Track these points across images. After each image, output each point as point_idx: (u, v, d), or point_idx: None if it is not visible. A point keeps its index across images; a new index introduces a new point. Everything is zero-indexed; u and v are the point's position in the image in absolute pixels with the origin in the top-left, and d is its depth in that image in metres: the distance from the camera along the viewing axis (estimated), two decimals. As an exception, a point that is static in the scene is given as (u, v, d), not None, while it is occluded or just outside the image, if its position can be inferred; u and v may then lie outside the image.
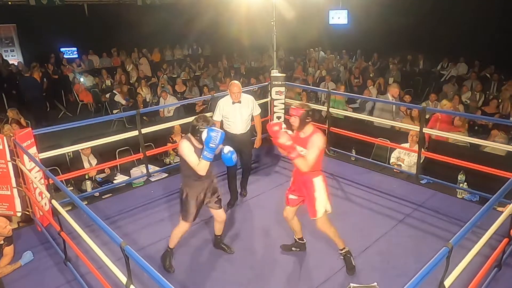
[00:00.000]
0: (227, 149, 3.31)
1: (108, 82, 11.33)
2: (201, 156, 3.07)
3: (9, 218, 3.97)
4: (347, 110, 7.64)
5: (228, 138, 3.76)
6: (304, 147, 3.13)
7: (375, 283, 3.06)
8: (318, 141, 3.09)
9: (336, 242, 3.40)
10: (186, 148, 3.14)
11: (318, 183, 3.20)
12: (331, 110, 5.80)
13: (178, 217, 3.45)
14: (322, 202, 3.20)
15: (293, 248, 3.74)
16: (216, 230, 3.73)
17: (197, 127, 3.09)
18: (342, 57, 14.03)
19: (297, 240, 3.72)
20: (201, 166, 3.10)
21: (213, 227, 3.76)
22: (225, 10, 11.30)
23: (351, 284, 3.05)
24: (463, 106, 7.93)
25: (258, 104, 4.76)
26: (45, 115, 9.50)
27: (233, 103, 4.42)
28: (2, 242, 3.57)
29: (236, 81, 4.54)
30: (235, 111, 4.43)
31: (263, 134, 4.81)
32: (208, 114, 5.77)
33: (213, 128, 3.05)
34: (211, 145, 2.98)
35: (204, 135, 3.02)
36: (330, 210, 3.27)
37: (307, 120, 3.13)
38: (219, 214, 3.58)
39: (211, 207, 3.53)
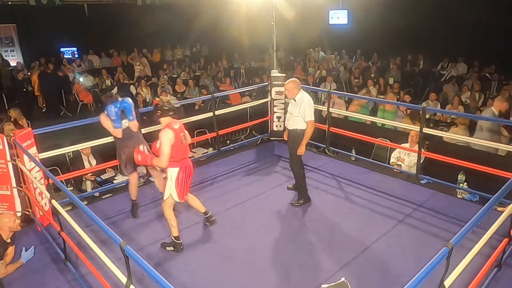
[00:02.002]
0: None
1: (108, 82, 11.32)
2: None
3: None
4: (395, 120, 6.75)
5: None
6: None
7: (343, 278, 3.07)
8: (162, 138, 3.47)
9: (170, 228, 3.75)
10: (104, 120, 4.02)
11: (172, 172, 3.61)
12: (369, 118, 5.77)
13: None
14: (169, 188, 3.65)
15: (206, 224, 4.15)
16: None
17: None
18: (342, 57, 14.04)
19: (204, 215, 4.13)
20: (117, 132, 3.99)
21: (212, 227, 3.83)
22: (225, 10, 11.30)
23: (322, 285, 3.07)
24: (463, 107, 7.94)
25: (259, 104, 4.74)
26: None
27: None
28: (9, 240, 3.57)
29: (291, 78, 4.61)
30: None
31: (263, 134, 4.80)
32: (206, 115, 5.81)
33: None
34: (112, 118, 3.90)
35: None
36: (177, 199, 3.68)
37: (157, 113, 3.55)
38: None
39: None
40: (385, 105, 6.92)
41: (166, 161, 3.52)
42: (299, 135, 4.40)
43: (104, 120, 4.01)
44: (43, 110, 10.32)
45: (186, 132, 3.73)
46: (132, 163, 4.07)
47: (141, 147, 3.77)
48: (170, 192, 3.66)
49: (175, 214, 3.78)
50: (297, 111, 4.36)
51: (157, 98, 3.79)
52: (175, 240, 3.76)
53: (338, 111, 6.58)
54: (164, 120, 3.58)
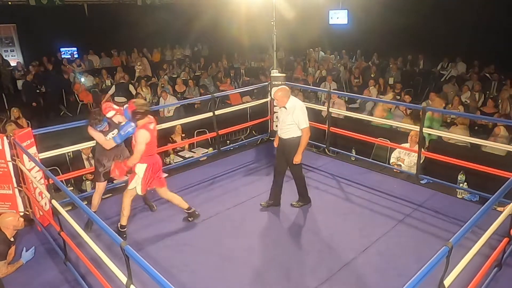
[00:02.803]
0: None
1: (108, 82, 11.32)
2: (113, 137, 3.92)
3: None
4: (440, 129, 6.42)
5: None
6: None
7: None
8: (138, 138, 3.66)
9: (121, 217, 3.92)
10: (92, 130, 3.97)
11: (140, 168, 3.80)
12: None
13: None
14: (135, 182, 3.84)
15: (189, 219, 4.25)
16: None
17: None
18: (342, 57, 14.04)
19: (186, 211, 4.24)
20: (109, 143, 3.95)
21: (211, 227, 3.84)
22: (225, 10, 11.30)
23: None
24: (463, 107, 7.94)
25: (259, 104, 4.71)
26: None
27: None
28: (12, 239, 3.58)
29: (280, 86, 4.52)
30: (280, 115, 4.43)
31: (263, 134, 4.78)
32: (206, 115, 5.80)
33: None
34: (121, 132, 3.85)
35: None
36: (140, 192, 3.89)
37: (137, 117, 3.68)
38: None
39: None
40: (433, 113, 6.54)
41: (139, 159, 3.73)
42: (295, 143, 4.24)
43: (93, 131, 3.96)
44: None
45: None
46: (107, 173, 4.07)
47: (120, 160, 3.89)
48: (135, 185, 3.84)
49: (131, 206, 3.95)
50: (290, 119, 4.18)
51: (132, 102, 3.79)
52: (120, 229, 3.92)
53: (338, 111, 6.58)
54: (141, 121, 3.72)
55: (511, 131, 6.02)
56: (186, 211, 4.23)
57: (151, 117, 3.84)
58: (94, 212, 4.03)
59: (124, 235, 3.91)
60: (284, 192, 4.56)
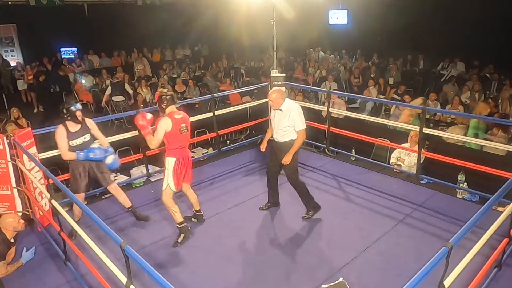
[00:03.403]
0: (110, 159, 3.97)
1: (108, 82, 11.31)
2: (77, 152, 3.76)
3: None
4: (486, 138, 6.09)
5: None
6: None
7: (341, 278, 3.08)
8: (160, 123, 3.62)
9: (173, 216, 3.87)
10: (59, 135, 3.76)
11: (169, 162, 3.77)
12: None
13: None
14: (167, 178, 3.78)
15: (192, 219, 4.25)
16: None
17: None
18: (342, 57, 14.04)
19: (195, 212, 4.24)
20: (70, 155, 3.80)
21: (211, 227, 3.81)
22: (225, 10, 11.30)
23: (322, 286, 3.07)
24: (463, 107, 7.94)
25: (259, 104, 4.67)
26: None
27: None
28: (13, 240, 3.58)
29: (274, 88, 4.42)
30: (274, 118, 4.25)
31: (263, 134, 4.72)
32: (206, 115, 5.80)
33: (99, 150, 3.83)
34: (91, 155, 3.78)
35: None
36: (174, 189, 3.80)
37: (164, 104, 3.68)
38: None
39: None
40: (479, 120, 6.37)
41: (155, 145, 3.67)
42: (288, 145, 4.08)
43: (63, 136, 3.73)
44: (42, 111, 10.30)
45: (189, 124, 3.83)
46: (84, 180, 3.93)
47: (148, 115, 3.75)
48: (168, 182, 3.79)
49: (175, 202, 3.89)
50: (286, 121, 4.04)
51: (158, 92, 3.81)
52: (180, 226, 3.86)
53: (338, 111, 6.58)
54: (168, 109, 3.71)
55: (508, 131, 6.02)
56: (195, 211, 4.24)
57: (181, 110, 3.83)
58: (77, 221, 3.70)
59: (189, 228, 3.95)
60: (282, 192, 4.56)
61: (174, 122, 3.66)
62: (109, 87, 9.57)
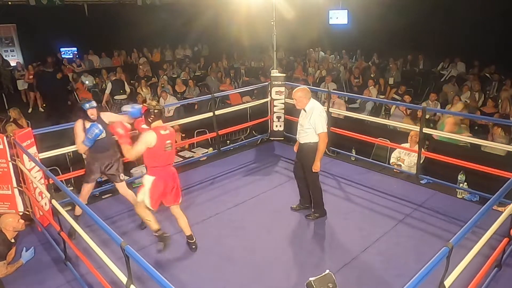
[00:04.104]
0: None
1: (108, 82, 11.32)
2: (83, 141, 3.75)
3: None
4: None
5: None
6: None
7: (327, 271, 3.07)
8: (144, 136, 3.43)
9: (148, 226, 3.71)
10: (76, 128, 3.80)
11: (147, 180, 3.53)
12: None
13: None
14: (142, 194, 3.54)
15: (189, 246, 3.84)
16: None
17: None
18: (342, 57, 14.04)
19: (186, 237, 3.85)
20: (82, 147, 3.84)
21: (211, 227, 3.77)
22: (225, 10, 11.30)
23: (310, 278, 3.06)
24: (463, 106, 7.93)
25: (259, 104, 4.63)
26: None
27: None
28: (13, 240, 3.58)
29: (301, 86, 4.20)
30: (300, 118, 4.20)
31: (263, 134, 4.70)
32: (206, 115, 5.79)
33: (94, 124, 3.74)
34: (88, 136, 3.72)
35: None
36: (150, 207, 3.56)
37: (151, 118, 3.48)
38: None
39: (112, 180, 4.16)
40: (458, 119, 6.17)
41: (133, 156, 3.58)
42: (313, 150, 4.03)
43: (79, 129, 3.79)
44: (42, 111, 10.29)
45: (174, 140, 3.61)
46: (96, 175, 4.02)
47: (125, 125, 3.64)
48: (143, 197, 3.55)
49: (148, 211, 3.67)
50: (308, 123, 3.95)
51: (144, 104, 3.64)
52: (157, 234, 3.67)
53: (338, 111, 6.58)
54: (155, 123, 3.50)
55: (509, 131, 6.02)
56: (187, 239, 3.86)
57: (168, 126, 3.62)
58: (79, 216, 3.93)
59: (166, 235, 3.70)
60: (283, 191, 4.56)
61: (159, 137, 3.41)
62: (109, 84, 9.50)
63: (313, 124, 3.93)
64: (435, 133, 5.47)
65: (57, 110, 9.38)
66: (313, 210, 4.36)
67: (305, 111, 4.02)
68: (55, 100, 9.89)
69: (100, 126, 3.73)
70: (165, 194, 3.60)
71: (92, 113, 3.76)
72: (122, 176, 4.13)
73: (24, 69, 11.34)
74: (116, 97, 9.33)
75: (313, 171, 4.08)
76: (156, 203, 3.58)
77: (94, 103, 3.82)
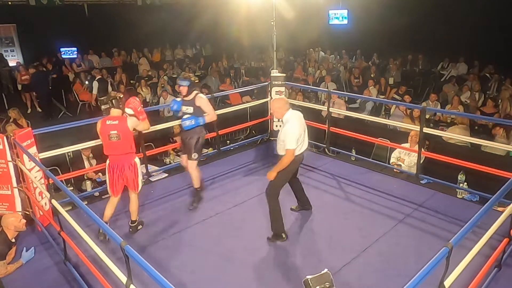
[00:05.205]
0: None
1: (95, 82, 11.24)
2: None
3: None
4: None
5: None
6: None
7: (326, 269, 3.08)
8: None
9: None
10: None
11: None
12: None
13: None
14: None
15: (130, 230, 4.08)
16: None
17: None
18: (342, 57, 14.04)
19: (130, 223, 4.11)
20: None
21: (211, 227, 3.79)
22: (225, 10, 11.29)
23: (307, 276, 3.07)
24: (463, 107, 7.94)
25: (259, 104, 4.62)
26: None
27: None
28: (13, 240, 3.57)
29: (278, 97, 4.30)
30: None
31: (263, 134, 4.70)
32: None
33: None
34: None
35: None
36: (110, 193, 3.88)
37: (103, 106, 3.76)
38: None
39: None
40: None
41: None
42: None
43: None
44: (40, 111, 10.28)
45: (123, 133, 3.66)
46: (192, 150, 4.45)
47: (135, 102, 3.79)
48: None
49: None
50: (281, 134, 3.75)
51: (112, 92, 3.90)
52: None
53: (338, 111, 6.58)
54: (112, 112, 3.71)
55: (509, 131, 6.02)
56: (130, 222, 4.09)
57: (122, 117, 3.69)
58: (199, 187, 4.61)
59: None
60: (284, 192, 4.55)
61: (103, 127, 3.65)
62: (95, 83, 9.39)
63: (283, 137, 3.71)
64: (435, 133, 5.47)
65: (53, 111, 9.40)
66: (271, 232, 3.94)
67: (282, 122, 3.87)
68: (50, 100, 9.91)
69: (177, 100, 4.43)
70: (113, 182, 3.83)
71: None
72: (194, 155, 4.49)
73: (25, 69, 11.35)
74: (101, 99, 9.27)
75: (267, 178, 3.81)
76: (112, 190, 3.86)
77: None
